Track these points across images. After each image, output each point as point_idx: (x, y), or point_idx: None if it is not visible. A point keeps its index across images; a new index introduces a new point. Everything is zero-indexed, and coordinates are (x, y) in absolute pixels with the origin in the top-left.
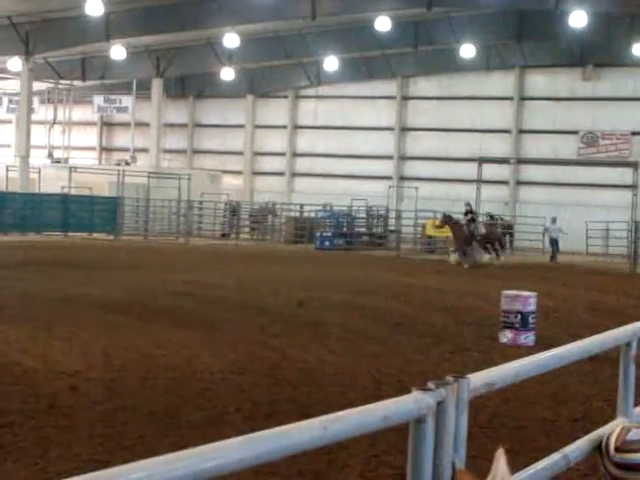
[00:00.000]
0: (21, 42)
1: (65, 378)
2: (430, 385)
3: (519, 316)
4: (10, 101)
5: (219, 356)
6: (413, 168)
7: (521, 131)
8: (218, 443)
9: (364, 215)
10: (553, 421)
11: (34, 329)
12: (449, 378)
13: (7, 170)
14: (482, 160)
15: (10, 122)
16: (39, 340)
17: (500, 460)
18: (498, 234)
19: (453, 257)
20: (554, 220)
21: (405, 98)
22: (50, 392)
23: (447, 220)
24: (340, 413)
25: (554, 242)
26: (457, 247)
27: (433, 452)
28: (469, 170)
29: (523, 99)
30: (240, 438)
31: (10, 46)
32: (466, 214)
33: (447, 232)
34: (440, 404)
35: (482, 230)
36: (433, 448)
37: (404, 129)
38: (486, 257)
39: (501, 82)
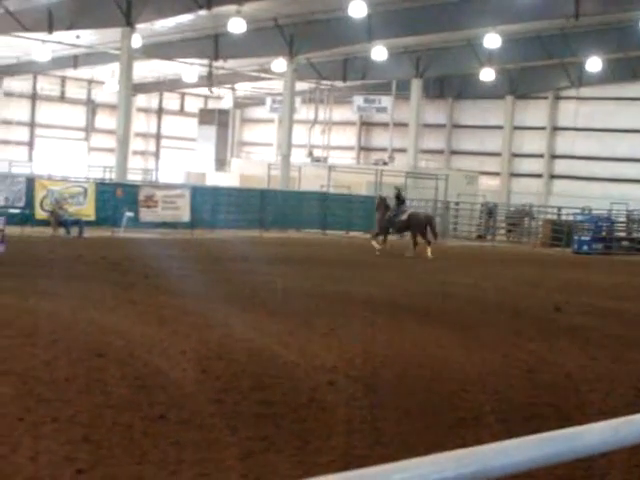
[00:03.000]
0: (286, 43)
1: (324, 373)
2: None
3: None
4: (273, 101)
5: (474, 357)
6: None
7: None
8: (507, 442)
9: (624, 219)
10: None
11: (294, 324)
12: None
13: (269, 168)
14: None
15: (272, 121)
16: (299, 335)
17: None
18: (421, 221)
19: (374, 242)
20: None
21: None
22: (310, 386)
23: (380, 203)
24: (631, 417)
25: None
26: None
27: None
28: None
29: None
30: (529, 438)
31: (275, 47)
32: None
33: None
34: None
35: (403, 217)
36: None
37: None
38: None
39: None
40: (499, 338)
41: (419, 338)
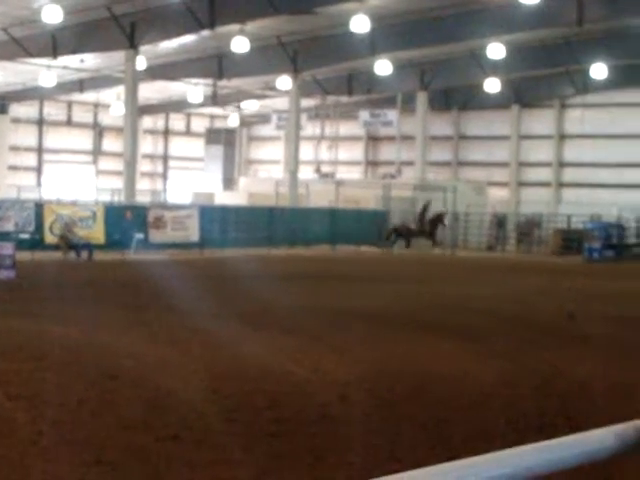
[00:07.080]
0: (289, 60)
1: (337, 388)
2: None
3: None
4: (279, 118)
5: (489, 368)
6: None
7: None
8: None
9: (634, 225)
10: None
11: (306, 340)
12: None
13: (277, 186)
14: None
15: (279, 139)
16: (311, 351)
17: None
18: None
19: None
20: None
21: None
22: (322, 402)
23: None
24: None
25: None
26: None
27: None
28: None
29: None
30: (538, 444)
31: (279, 65)
32: None
33: None
34: None
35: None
36: None
37: None
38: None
39: None
40: (513, 348)
41: (433, 351)
